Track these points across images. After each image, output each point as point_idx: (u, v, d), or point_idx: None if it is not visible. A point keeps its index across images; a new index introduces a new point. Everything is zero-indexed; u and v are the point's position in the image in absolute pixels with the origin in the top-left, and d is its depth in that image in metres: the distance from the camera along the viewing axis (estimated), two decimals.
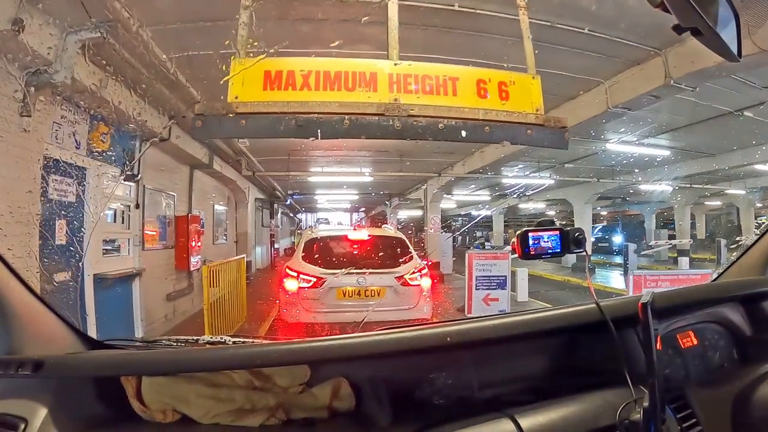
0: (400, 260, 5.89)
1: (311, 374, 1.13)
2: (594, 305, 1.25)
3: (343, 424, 1.10)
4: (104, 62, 4.64)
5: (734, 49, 0.95)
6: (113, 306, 6.01)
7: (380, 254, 5.97)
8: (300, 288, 5.51)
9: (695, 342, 1.40)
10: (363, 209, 27.41)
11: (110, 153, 6.00)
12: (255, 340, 1.44)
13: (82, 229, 5.44)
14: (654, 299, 1.06)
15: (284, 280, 5.68)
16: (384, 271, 5.61)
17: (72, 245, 5.16)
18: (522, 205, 22.08)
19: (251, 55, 3.04)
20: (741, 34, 0.96)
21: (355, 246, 6.16)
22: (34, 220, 4.25)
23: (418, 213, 17.89)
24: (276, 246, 19.76)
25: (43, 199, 4.48)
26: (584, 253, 1.41)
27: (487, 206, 22.26)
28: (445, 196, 16.09)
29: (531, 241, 1.31)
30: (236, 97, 2.92)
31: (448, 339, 1.11)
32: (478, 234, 29.14)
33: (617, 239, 18.24)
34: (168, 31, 4.57)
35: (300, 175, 13.23)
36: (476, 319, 1.27)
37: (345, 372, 1.13)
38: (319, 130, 2.91)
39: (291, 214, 27.66)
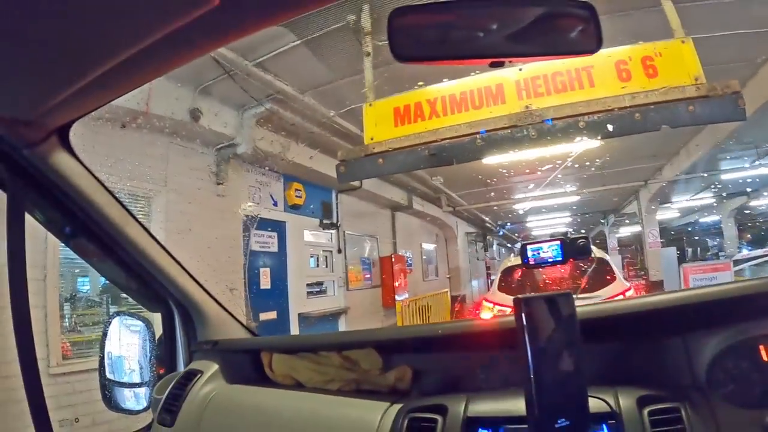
0: (603, 282, 5.37)
1: (385, 362, 1.42)
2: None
3: (394, 395, 1.37)
4: (280, 129, 5.40)
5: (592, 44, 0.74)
6: None
7: (581, 278, 5.49)
8: None
9: None
10: (582, 231, 25.70)
11: (306, 206, 6.89)
12: None
13: (285, 275, 6.31)
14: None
15: (479, 312, 5.61)
16: (585, 296, 5.06)
17: (276, 289, 6.02)
18: (754, 203, 17.51)
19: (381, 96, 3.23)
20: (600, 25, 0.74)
21: (554, 270, 5.74)
22: (239, 269, 5.11)
23: (638, 229, 15.89)
24: (492, 278, 19.54)
25: (246, 250, 5.37)
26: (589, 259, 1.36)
27: (715, 210, 18.39)
28: (662, 206, 14.09)
29: (530, 253, 1.45)
30: (372, 138, 3.11)
31: (440, 332, 1.37)
32: (711, 243, 24.26)
33: None
34: (329, 90, 5.00)
35: (501, 204, 12.92)
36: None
37: (410, 362, 1.40)
38: (452, 155, 2.90)
39: (508, 245, 26.61)
